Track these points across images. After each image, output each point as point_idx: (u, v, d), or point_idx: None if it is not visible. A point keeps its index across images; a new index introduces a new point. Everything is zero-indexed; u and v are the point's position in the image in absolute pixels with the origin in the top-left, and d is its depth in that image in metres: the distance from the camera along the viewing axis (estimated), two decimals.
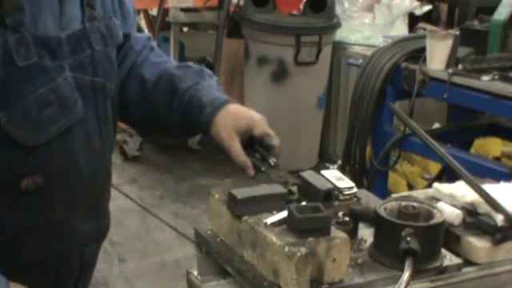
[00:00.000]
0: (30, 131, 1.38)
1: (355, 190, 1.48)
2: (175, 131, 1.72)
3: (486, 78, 3.35)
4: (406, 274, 1.28)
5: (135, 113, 1.71)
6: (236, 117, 1.57)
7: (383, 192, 3.73)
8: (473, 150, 4.24)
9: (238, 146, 1.54)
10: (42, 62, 1.39)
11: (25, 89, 1.37)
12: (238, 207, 1.35)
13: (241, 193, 1.36)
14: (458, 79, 3.41)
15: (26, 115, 1.37)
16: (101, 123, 1.54)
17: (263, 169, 1.51)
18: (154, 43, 1.81)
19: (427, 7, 5.34)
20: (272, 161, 1.52)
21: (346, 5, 5.37)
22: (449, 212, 1.44)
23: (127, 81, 1.69)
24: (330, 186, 1.44)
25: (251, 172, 1.52)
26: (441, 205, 1.46)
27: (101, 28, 1.54)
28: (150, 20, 5.97)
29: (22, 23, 1.35)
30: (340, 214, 1.42)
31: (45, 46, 1.39)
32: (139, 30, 1.85)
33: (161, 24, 5.47)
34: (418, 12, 5.30)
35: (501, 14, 3.50)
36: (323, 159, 5.44)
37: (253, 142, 1.56)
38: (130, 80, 1.70)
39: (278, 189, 1.40)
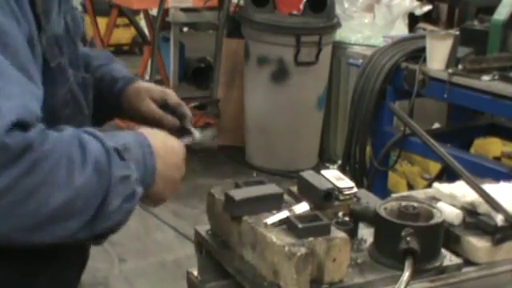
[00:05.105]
0: None
1: (355, 190, 1.48)
2: None
3: (486, 77, 3.34)
4: (406, 274, 1.28)
5: None
6: (149, 88, 1.67)
7: (383, 192, 3.72)
8: (473, 150, 4.24)
9: (158, 109, 1.63)
10: (62, 62, 1.37)
11: (54, 90, 1.34)
12: (235, 208, 1.35)
13: (238, 194, 1.36)
14: (457, 79, 3.40)
15: (54, 117, 1.32)
16: (91, 120, 1.51)
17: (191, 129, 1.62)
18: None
19: (427, 7, 5.33)
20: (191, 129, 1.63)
21: (346, 5, 5.37)
22: (449, 212, 1.44)
23: None
24: (329, 185, 1.44)
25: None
26: (441, 205, 1.46)
27: (70, 20, 1.49)
28: (150, 20, 5.96)
29: (47, 22, 1.32)
30: (340, 214, 1.42)
31: (57, 45, 1.36)
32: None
33: (161, 24, 5.47)
34: (418, 12, 5.29)
35: (501, 14, 3.50)
36: (323, 159, 5.44)
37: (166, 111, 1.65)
38: None
39: (275, 189, 1.40)
